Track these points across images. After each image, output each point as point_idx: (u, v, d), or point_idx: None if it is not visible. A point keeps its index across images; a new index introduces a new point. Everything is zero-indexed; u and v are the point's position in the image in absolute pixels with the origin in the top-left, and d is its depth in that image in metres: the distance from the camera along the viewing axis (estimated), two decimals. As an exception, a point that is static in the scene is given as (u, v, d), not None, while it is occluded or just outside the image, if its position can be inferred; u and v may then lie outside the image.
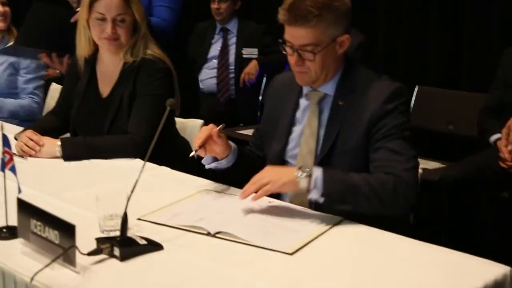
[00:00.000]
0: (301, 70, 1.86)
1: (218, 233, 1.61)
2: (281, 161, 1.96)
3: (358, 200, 1.69)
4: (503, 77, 3.12)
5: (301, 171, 1.70)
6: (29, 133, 2.29)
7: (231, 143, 1.95)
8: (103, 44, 2.37)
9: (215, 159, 1.94)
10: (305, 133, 1.91)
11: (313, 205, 1.79)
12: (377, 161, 1.78)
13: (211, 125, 1.89)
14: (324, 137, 1.88)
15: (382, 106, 1.80)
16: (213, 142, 1.88)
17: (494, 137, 3.03)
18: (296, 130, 1.95)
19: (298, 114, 1.96)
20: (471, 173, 2.94)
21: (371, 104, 1.81)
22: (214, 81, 4.49)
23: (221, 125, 1.90)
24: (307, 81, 1.90)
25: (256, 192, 1.72)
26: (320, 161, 1.86)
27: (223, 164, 1.94)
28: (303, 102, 1.96)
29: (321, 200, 1.69)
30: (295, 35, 1.81)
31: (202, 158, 1.94)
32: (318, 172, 1.70)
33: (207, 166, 1.96)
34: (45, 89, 3.36)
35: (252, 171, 1.99)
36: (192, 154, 1.88)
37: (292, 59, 1.85)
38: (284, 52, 1.88)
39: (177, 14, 3.20)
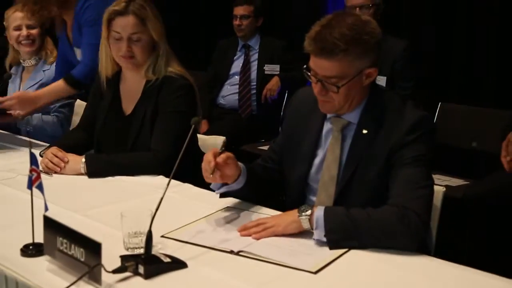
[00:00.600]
0: (324, 99, 1.82)
1: (241, 251, 1.61)
2: (304, 184, 1.94)
3: (361, 236, 1.64)
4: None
5: (302, 212, 1.69)
6: (54, 149, 2.33)
7: (239, 163, 1.89)
8: (121, 62, 2.41)
9: (224, 183, 1.88)
10: (327, 158, 1.88)
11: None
12: (390, 191, 1.74)
13: (212, 152, 1.81)
14: (345, 165, 1.84)
15: (403, 137, 1.76)
16: (223, 166, 1.81)
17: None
18: (320, 154, 1.92)
19: (322, 137, 1.92)
20: (495, 190, 2.91)
21: (393, 135, 1.77)
22: (236, 97, 4.51)
23: (222, 142, 1.85)
24: (330, 110, 1.86)
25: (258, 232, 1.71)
26: (341, 189, 1.84)
27: (233, 187, 1.88)
28: (326, 125, 1.92)
29: (324, 239, 1.65)
30: (320, 66, 1.76)
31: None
32: (319, 212, 1.67)
33: (216, 192, 1.91)
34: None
35: (264, 189, 1.99)
36: (216, 190, 1.83)
37: (315, 88, 1.81)
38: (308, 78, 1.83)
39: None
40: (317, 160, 1.92)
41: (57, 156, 2.30)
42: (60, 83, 2.97)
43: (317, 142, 1.92)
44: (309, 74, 1.81)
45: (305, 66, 1.81)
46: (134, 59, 2.37)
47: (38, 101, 2.92)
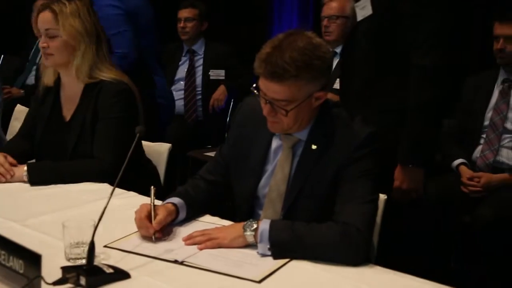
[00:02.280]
0: (273, 120, 1.81)
1: (185, 261, 1.61)
2: (252, 197, 1.93)
3: (304, 250, 1.65)
4: (465, 104, 3.22)
5: (247, 228, 1.70)
6: (1, 158, 2.27)
7: (172, 202, 1.86)
8: (45, 61, 2.37)
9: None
10: (276, 175, 1.88)
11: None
12: (335, 206, 1.76)
13: (145, 212, 1.76)
14: (293, 180, 1.85)
15: (351, 154, 1.77)
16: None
17: (456, 162, 3.12)
18: (268, 169, 1.90)
19: (271, 152, 1.91)
20: (435, 196, 3.00)
21: (341, 151, 1.78)
22: (182, 102, 4.49)
23: (153, 191, 1.81)
24: (279, 130, 1.85)
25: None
26: (288, 205, 1.85)
27: (176, 222, 1.87)
28: (275, 140, 1.91)
29: (268, 253, 1.66)
30: (269, 88, 1.75)
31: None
32: (265, 225, 1.68)
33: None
34: (10, 109, 3.32)
35: (208, 207, 1.99)
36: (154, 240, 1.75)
37: (265, 109, 1.80)
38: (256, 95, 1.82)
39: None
40: (265, 175, 1.91)
41: (4, 167, 2.24)
42: None
43: (265, 157, 1.91)
44: (258, 94, 1.80)
45: (254, 85, 1.81)
46: (52, 57, 2.32)
47: None
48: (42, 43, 2.30)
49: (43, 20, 2.31)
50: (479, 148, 3.11)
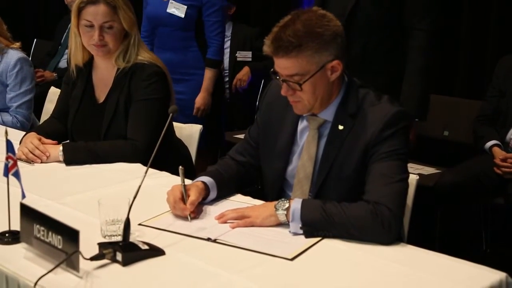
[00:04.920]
0: (293, 99, 1.82)
1: (218, 239, 1.63)
2: (281, 179, 1.94)
3: (335, 229, 1.66)
4: (498, 85, 3.17)
5: (279, 207, 1.71)
6: (35, 140, 2.32)
7: (202, 180, 1.88)
8: (92, 50, 2.40)
9: None
10: (302, 157, 1.88)
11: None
12: (365, 186, 1.75)
13: (179, 194, 1.79)
14: (321, 162, 1.85)
15: (379, 133, 1.76)
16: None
17: (489, 144, 3.08)
18: (296, 150, 1.91)
19: (297, 134, 1.91)
20: (466, 178, 2.97)
21: (369, 130, 1.78)
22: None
23: (181, 171, 1.82)
24: (303, 110, 1.85)
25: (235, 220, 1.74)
26: (316, 187, 1.85)
27: (207, 201, 1.89)
28: (302, 121, 1.92)
29: (300, 231, 1.67)
30: (280, 65, 1.77)
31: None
32: (296, 205, 1.69)
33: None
34: (43, 92, 3.37)
35: (238, 187, 2.00)
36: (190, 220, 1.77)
37: (283, 89, 1.81)
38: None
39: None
40: (293, 157, 1.92)
41: (38, 149, 2.29)
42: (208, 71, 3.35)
43: (293, 138, 1.92)
44: (276, 76, 1.81)
45: (272, 70, 1.82)
46: (106, 47, 2.36)
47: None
48: (98, 35, 2.31)
49: (99, 13, 2.31)
50: (513, 129, 3.06)
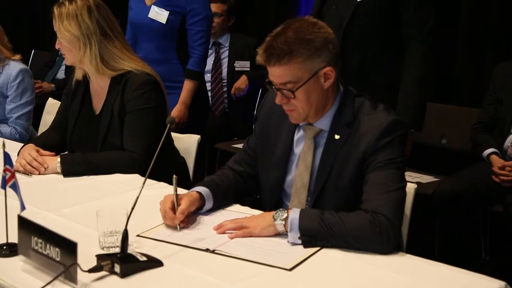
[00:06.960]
0: (288, 108, 1.82)
1: (217, 249, 1.63)
2: (279, 189, 1.94)
3: (334, 239, 1.65)
4: (495, 93, 3.18)
5: (276, 216, 1.71)
6: (33, 151, 2.32)
7: (197, 190, 1.87)
8: None
9: None
10: (299, 167, 1.88)
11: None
12: (363, 195, 1.75)
13: (170, 203, 1.78)
14: (318, 172, 1.85)
15: (375, 142, 1.76)
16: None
17: (487, 152, 3.08)
18: (293, 160, 1.91)
19: (294, 143, 1.92)
20: (465, 186, 2.97)
21: (365, 139, 1.78)
22: (209, 94, 4.51)
23: (174, 180, 1.79)
24: (298, 119, 1.85)
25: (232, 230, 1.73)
26: (314, 196, 1.85)
27: (203, 211, 1.88)
28: (298, 131, 1.92)
29: (299, 241, 1.67)
30: (273, 74, 1.78)
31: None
32: (295, 214, 1.69)
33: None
34: (41, 103, 3.37)
35: (235, 198, 2.00)
36: (179, 229, 1.77)
37: (277, 98, 1.81)
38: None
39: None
40: (291, 167, 1.92)
41: (37, 161, 2.29)
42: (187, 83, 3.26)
43: (289, 148, 1.92)
44: (271, 86, 1.82)
45: (266, 80, 1.82)
46: (66, 56, 2.38)
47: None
48: (56, 44, 2.36)
49: (54, 23, 2.35)
50: (510, 137, 3.06)
